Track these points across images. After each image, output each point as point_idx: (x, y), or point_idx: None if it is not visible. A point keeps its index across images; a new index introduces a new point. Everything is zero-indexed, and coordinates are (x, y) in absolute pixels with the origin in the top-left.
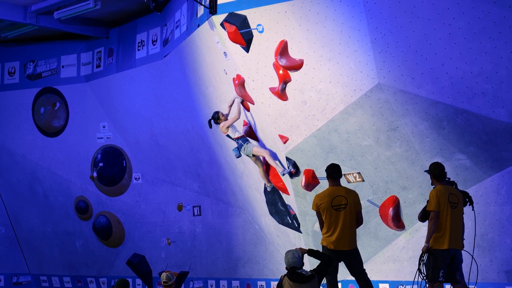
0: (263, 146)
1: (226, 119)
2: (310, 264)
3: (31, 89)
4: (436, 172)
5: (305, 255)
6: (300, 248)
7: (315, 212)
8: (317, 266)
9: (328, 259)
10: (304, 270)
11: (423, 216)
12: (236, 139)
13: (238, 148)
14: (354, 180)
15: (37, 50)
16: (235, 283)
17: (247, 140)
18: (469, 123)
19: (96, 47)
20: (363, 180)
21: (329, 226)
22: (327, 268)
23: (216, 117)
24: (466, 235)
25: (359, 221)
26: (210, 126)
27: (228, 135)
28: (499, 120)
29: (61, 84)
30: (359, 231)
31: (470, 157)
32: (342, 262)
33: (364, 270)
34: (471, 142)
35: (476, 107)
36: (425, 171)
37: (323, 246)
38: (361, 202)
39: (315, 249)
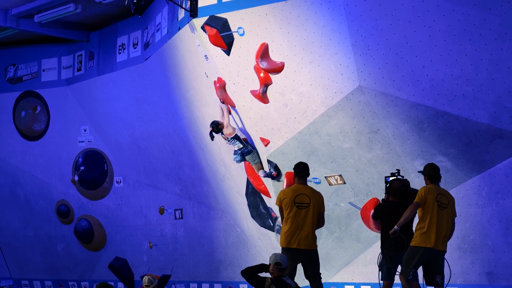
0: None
1: (223, 125)
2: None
3: (12, 93)
4: (432, 173)
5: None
6: None
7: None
8: None
9: None
10: (288, 278)
11: (376, 214)
12: (245, 140)
13: (243, 153)
14: (336, 183)
15: (18, 54)
16: (217, 286)
17: (254, 148)
18: (449, 125)
19: (77, 51)
20: (345, 183)
21: (288, 222)
22: None
23: (216, 124)
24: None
25: (320, 222)
26: (212, 138)
27: (236, 136)
28: (479, 122)
29: (42, 87)
30: (341, 233)
31: (451, 159)
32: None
33: (320, 274)
34: (452, 144)
35: (456, 109)
36: (419, 171)
37: (282, 248)
38: (343, 204)
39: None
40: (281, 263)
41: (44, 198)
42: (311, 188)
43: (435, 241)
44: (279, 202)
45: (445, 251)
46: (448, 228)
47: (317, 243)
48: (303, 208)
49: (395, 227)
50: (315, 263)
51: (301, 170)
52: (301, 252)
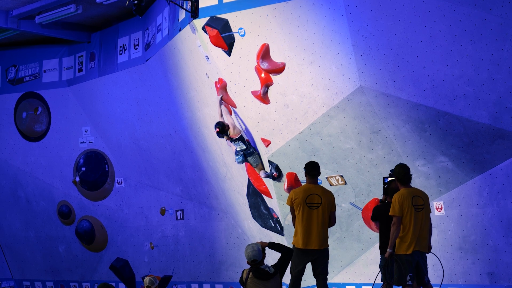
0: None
1: (228, 126)
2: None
3: (13, 94)
4: (401, 176)
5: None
6: (261, 242)
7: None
8: (278, 260)
9: (289, 251)
10: (267, 266)
11: (374, 215)
12: (248, 142)
13: (245, 154)
14: (337, 183)
15: (19, 55)
16: (218, 287)
17: (256, 149)
18: (450, 125)
19: (78, 52)
20: (346, 183)
21: (300, 223)
22: (288, 261)
23: (222, 125)
24: (450, 238)
25: (331, 221)
26: (222, 136)
27: (241, 137)
28: (480, 122)
29: (43, 88)
30: (342, 234)
31: (452, 159)
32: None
33: (327, 274)
34: (453, 144)
35: (457, 109)
36: (391, 170)
37: (293, 246)
38: (344, 205)
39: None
40: (257, 259)
41: (45, 199)
42: (322, 187)
43: (415, 246)
44: (290, 202)
45: (429, 251)
46: (426, 228)
47: None
48: (315, 208)
49: (388, 249)
50: (325, 262)
51: (311, 169)
52: (313, 252)
